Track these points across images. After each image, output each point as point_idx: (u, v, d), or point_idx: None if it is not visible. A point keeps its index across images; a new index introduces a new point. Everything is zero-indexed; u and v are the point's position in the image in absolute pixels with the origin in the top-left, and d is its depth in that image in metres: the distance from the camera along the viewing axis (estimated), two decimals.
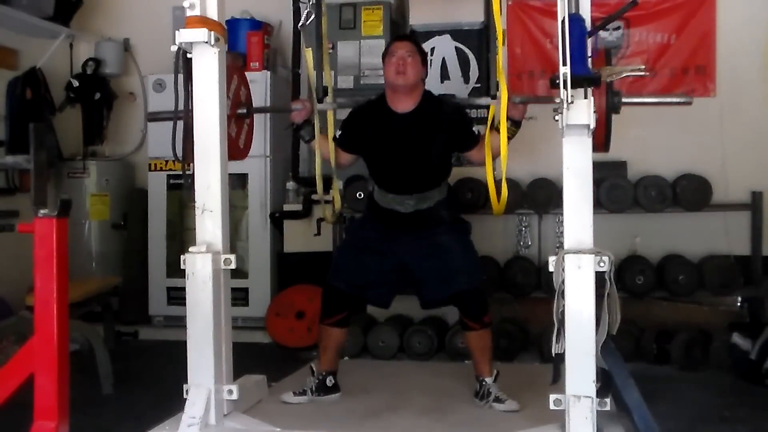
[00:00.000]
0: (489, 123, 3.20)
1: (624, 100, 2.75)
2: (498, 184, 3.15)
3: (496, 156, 3.22)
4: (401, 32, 5.46)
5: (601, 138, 2.70)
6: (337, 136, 3.55)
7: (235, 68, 3.34)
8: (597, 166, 2.67)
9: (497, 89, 3.12)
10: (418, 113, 3.41)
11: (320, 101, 3.54)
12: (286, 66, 5.88)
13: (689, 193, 4.99)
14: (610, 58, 2.85)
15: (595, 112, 2.54)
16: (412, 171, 3.42)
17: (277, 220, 5.64)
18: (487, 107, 3.30)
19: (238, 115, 3.23)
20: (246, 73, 5.47)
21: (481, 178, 5.09)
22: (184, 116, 2.89)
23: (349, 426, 3.10)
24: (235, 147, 3.18)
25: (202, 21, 2.79)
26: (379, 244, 3.47)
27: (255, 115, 3.50)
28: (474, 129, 3.46)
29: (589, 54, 2.56)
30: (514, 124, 3.24)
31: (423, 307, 3.72)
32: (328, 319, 3.48)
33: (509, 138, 3.17)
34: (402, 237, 3.44)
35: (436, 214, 3.44)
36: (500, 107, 3.00)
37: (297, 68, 5.61)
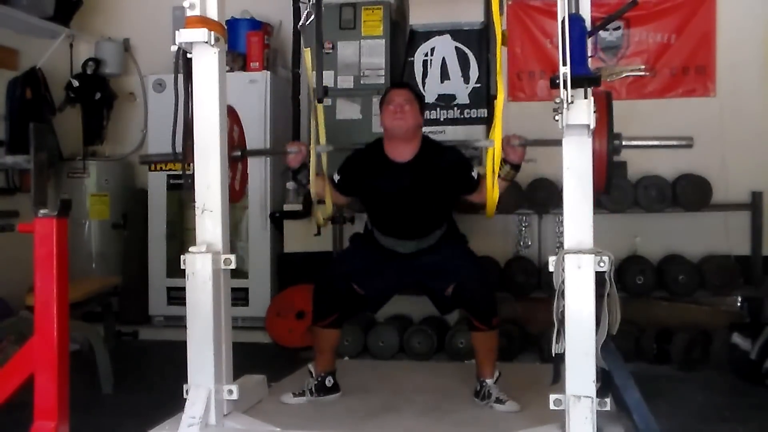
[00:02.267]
0: (491, 168, 3.10)
1: (624, 143, 2.74)
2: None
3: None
4: (401, 32, 5.47)
5: (602, 180, 2.67)
6: (335, 180, 3.53)
7: (229, 111, 3.16)
8: None
9: (496, 88, 3.12)
10: (418, 162, 3.38)
11: (320, 101, 3.53)
12: (286, 66, 5.88)
13: (689, 193, 5.00)
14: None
15: (595, 112, 2.53)
16: (412, 219, 3.40)
17: (277, 220, 5.64)
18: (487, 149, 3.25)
19: (231, 158, 3.15)
20: (246, 73, 5.61)
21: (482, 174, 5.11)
22: (184, 116, 2.89)
23: (349, 426, 3.10)
24: (232, 191, 3.12)
25: (202, 21, 2.79)
26: (381, 258, 3.47)
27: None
28: (473, 173, 3.42)
29: (589, 54, 2.56)
30: (513, 168, 3.25)
31: (440, 311, 3.70)
32: (320, 321, 3.45)
33: (508, 181, 3.25)
34: (405, 261, 3.46)
35: (439, 248, 3.43)
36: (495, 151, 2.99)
37: (297, 68, 5.60)
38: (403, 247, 3.43)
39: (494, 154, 2.98)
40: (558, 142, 2.61)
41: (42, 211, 2.46)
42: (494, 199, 3.10)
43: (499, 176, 3.14)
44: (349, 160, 3.57)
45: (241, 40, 5.68)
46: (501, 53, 2.97)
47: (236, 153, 3.27)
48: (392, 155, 3.41)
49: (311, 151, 3.44)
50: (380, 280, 3.47)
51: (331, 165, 3.59)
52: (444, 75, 5.34)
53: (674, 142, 3.13)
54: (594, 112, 2.51)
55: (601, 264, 2.53)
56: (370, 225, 3.55)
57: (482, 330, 3.35)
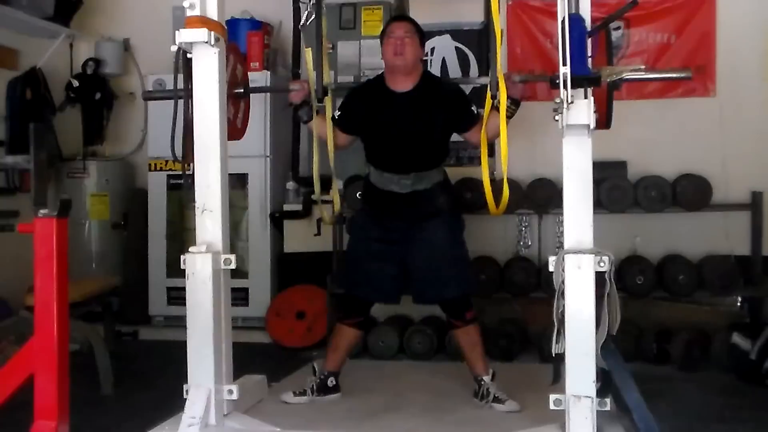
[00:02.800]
0: (488, 103, 3.15)
1: (624, 76, 2.75)
2: (499, 184, 3.15)
3: (495, 137, 3.22)
4: None
5: (603, 115, 2.68)
6: (336, 117, 3.54)
7: (230, 48, 3.26)
8: (597, 166, 2.67)
9: (497, 89, 3.12)
10: (417, 93, 3.42)
11: (320, 101, 3.54)
12: (286, 66, 5.88)
13: (689, 193, 4.99)
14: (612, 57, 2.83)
15: (595, 112, 2.54)
16: (411, 149, 3.42)
17: (277, 220, 5.64)
18: (486, 86, 3.25)
19: (235, 94, 3.22)
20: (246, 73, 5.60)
21: (481, 177, 5.11)
22: (184, 116, 2.89)
23: (349, 426, 3.10)
24: (233, 127, 3.18)
25: (202, 21, 2.79)
26: (381, 245, 3.47)
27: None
28: (473, 108, 3.46)
29: (589, 54, 2.56)
30: (514, 103, 3.21)
31: (414, 302, 3.74)
32: (347, 320, 3.54)
33: (508, 117, 3.14)
34: (400, 227, 3.43)
35: (434, 198, 3.44)
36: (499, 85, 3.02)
37: (297, 68, 5.60)
38: (399, 186, 3.42)
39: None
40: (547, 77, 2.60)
41: (42, 211, 2.46)
42: (505, 198, 3.11)
43: (498, 110, 3.12)
44: (349, 95, 3.62)
45: (241, 40, 5.68)
46: (500, 53, 2.98)
47: (239, 89, 3.29)
48: (392, 86, 3.46)
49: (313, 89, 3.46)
50: (390, 279, 3.50)
51: (333, 106, 3.60)
52: (444, 75, 5.34)
53: (673, 75, 3.13)
54: (594, 111, 2.51)
55: (601, 264, 2.53)
56: (368, 168, 3.57)
57: (459, 326, 3.44)
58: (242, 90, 3.34)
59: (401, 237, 3.43)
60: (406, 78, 3.43)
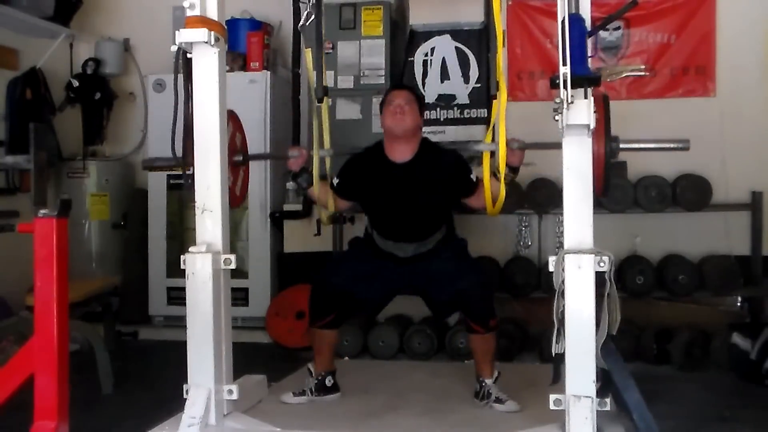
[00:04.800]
0: (487, 170, 3.17)
1: (621, 146, 2.76)
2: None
3: (494, 200, 3.25)
4: (401, 32, 5.47)
5: (600, 183, 2.67)
6: (335, 184, 3.54)
7: (230, 115, 3.18)
8: None
9: (497, 89, 3.12)
10: (417, 163, 3.39)
11: (320, 101, 3.53)
12: (286, 66, 5.88)
13: (689, 193, 4.99)
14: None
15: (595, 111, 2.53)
16: (412, 220, 3.41)
17: (277, 220, 5.64)
18: (488, 109, 3.28)
19: (234, 162, 3.15)
20: (246, 73, 5.61)
21: (481, 177, 5.10)
22: (184, 116, 2.89)
23: (349, 426, 3.10)
24: (232, 194, 3.12)
25: (202, 21, 2.79)
26: (380, 261, 3.47)
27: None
28: (472, 176, 3.43)
29: (589, 54, 2.56)
30: (512, 171, 3.25)
31: (436, 317, 3.71)
32: (317, 321, 3.44)
33: (507, 184, 3.23)
34: (404, 265, 3.45)
35: (438, 253, 3.42)
36: (499, 154, 3.04)
37: (297, 68, 5.60)
38: (402, 251, 3.43)
39: (498, 155, 3.00)
40: (556, 145, 2.61)
41: (42, 211, 2.46)
42: (501, 197, 3.12)
43: (497, 179, 3.17)
44: (348, 163, 3.58)
45: (241, 40, 5.68)
46: (502, 53, 2.98)
47: (238, 158, 3.27)
48: (392, 156, 3.42)
49: (314, 156, 3.45)
50: (377, 285, 3.46)
51: (333, 167, 3.60)
52: (444, 75, 5.34)
53: (671, 145, 3.13)
54: (594, 112, 2.51)
55: (601, 264, 2.53)
56: (369, 228, 3.55)
57: (480, 333, 3.34)
58: (241, 158, 3.32)
59: (403, 270, 3.44)
60: (406, 146, 3.40)
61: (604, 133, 2.65)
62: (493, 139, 3.24)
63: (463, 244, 3.57)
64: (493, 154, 3.21)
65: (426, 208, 3.40)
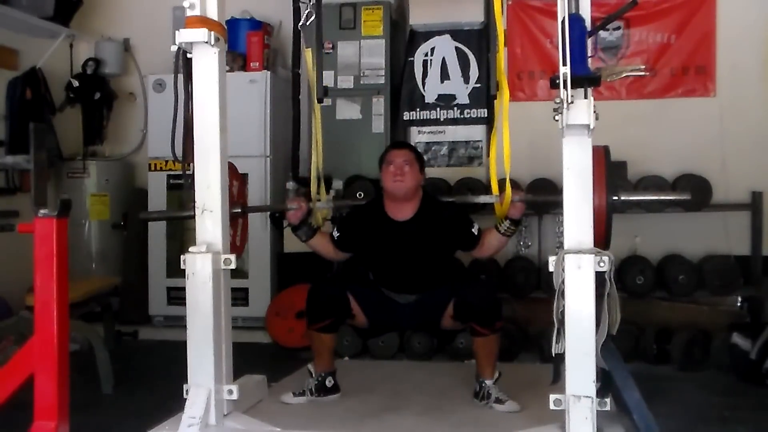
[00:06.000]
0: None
1: (623, 198, 2.76)
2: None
3: (497, 253, 3.46)
4: (401, 32, 5.47)
5: (602, 236, 2.67)
6: (335, 237, 3.55)
7: (230, 167, 3.12)
8: None
9: (497, 89, 3.12)
10: (418, 220, 3.40)
11: (320, 101, 3.53)
12: (286, 66, 5.88)
13: (689, 193, 4.98)
14: None
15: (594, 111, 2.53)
16: (414, 275, 3.42)
17: (277, 220, 5.64)
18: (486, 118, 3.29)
19: (232, 214, 3.10)
20: (246, 73, 5.61)
21: (481, 178, 5.11)
22: (184, 116, 2.89)
23: (349, 426, 3.10)
24: (233, 246, 3.08)
25: (202, 21, 2.79)
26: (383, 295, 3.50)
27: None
28: (473, 230, 3.44)
29: (589, 54, 2.56)
30: (513, 223, 3.31)
31: (442, 341, 3.72)
32: (315, 324, 3.43)
33: (508, 236, 3.36)
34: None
35: (442, 298, 3.41)
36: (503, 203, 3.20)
37: (297, 68, 5.60)
38: (403, 300, 3.46)
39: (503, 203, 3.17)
40: (557, 205, 2.61)
41: (42, 211, 2.46)
42: (508, 197, 3.23)
43: (499, 232, 3.23)
44: (348, 216, 3.61)
45: (241, 40, 5.68)
46: (503, 54, 2.98)
47: (236, 209, 3.24)
48: (392, 214, 3.43)
49: (313, 154, 3.46)
50: (379, 311, 3.46)
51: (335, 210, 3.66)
52: (444, 75, 5.35)
53: (672, 197, 3.12)
54: (594, 112, 2.51)
55: (601, 264, 2.53)
56: (371, 276, 3.55)
57: (484, 335, 3.31)
58: (239, 210, 3.31)
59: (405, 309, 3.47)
60: (407, 205, 3.41)
61: (605, 186, 2.65)
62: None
63: (458, 264, 3.61)
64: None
65: (428, 264, 3.42)
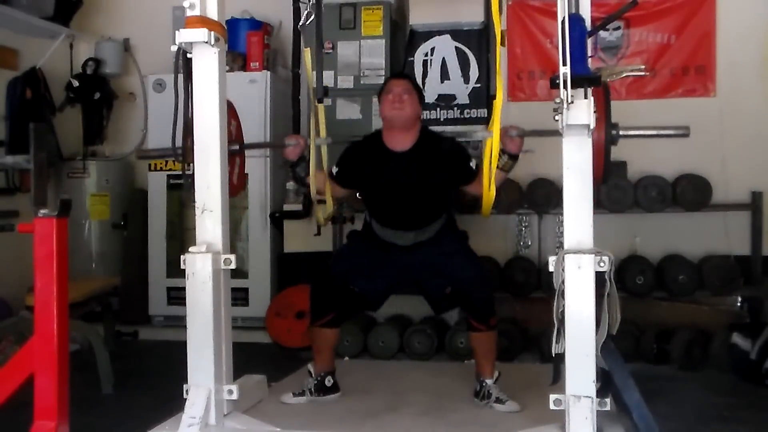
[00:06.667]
0: (489, 157, 3.06)
1: (621, 132, 2.75)
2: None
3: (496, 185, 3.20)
4: (401, 32, 5.47)
5: (600, 171, 2.68)
6: (334, 173, 3.53)
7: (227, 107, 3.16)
8: None
9: (497, 89, 3.12)
10: (416, 151, 3.38)
11: (320, 101, 3.53)
12: (286, 66, 5.89)
13: (689, 193, 4.99)
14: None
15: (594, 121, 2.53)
16: (411, 209, 3.40)
17: (277, 220, 5.64)
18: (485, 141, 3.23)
19: (229, 152, 3.10)
20: (246, 73, 5.61)
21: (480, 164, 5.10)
22: (184, 116, 2.89)
23: (349, 426, 3.09)
24: (230, 184, 3.09)
25: (202, 21, 2.79)
26: (381, 251, 3.46)
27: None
28: (471, 163, 3.42)
29: (589, 54, 2.56)
30: (511, 158, 3.24)
31: (435, 311, 3.70)
32: (318, 320, 3.44)
33: (507, 171, 3.25)
34: (404, 254, 3.44)
35: (438, 243, 3.42)
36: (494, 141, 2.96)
37: (297, 68, 5.61)
38: (401, 239, 3.42)
39: (492, 145, 2.95)
40: (554, 132, 2.60)
41: (42, 211, 2.46)
42: (491, 197, 3.08)
43: (497, 167, 3.12)
44: (347, 151, 3.56)
45: (241, 40, 5.69)
46: (500, 53, 2.97)
47: (234, 147, 3.25)
48: (391, 145, 3.41)
49: (311, 145, 3.44)
50: (378, 279, 3.46)
51: (331, 159, 3.59)
52: (444, 75, 5.34)
53: (671, 132, 3.12)
54: (594, 111, 2.51)
55: (601, 264, 2.53)
56: (368, 217, 3.54)
57: (481, 330, 3.34)
58: (237, 147, 3.31)
59: (404, 257, 3.42)
60: (405, 135, 3.39)
61: (604, 121, 2.65)
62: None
63: (464, 236, 3.56)
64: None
65: (425, 196, 3.39)
